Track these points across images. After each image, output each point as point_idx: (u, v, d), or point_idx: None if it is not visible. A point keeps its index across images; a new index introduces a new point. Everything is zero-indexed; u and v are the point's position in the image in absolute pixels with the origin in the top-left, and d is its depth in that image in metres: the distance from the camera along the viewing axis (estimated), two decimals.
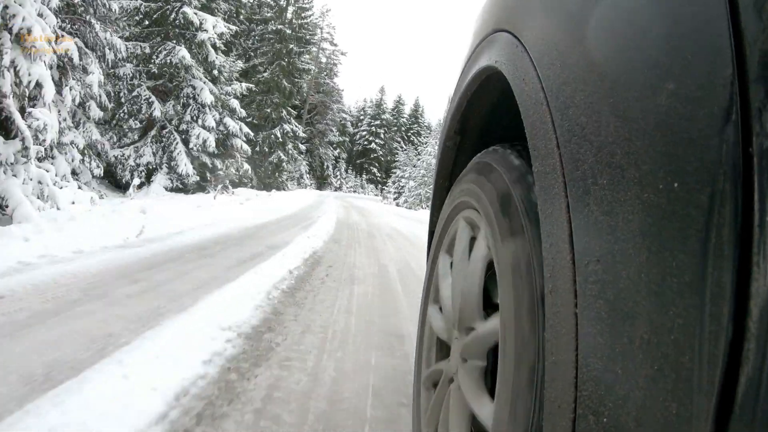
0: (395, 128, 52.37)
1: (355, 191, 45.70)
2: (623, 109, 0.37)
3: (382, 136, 50.35)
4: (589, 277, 0.38)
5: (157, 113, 12.03)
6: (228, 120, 14.07)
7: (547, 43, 0.53)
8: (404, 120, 53.84)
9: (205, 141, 12.58)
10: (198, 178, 12.66)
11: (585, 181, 0.41)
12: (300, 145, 28.44)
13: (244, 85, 15.46)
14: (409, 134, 50.39)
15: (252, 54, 25.76)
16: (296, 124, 26.78)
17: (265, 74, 25.22)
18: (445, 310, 0.89)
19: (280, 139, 24.76)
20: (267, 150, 24.35)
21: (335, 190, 42.23)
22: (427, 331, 1.01)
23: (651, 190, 0.33)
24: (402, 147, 39.25)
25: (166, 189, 11.92)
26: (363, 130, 51.16)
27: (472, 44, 0.89)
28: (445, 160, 1.06)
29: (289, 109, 26.16)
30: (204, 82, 12.84)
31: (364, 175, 49.56)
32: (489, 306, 0.71)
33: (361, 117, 52.77)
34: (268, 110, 24.83)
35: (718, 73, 0.29)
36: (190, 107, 12.72)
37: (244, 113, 15.30)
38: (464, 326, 0.74)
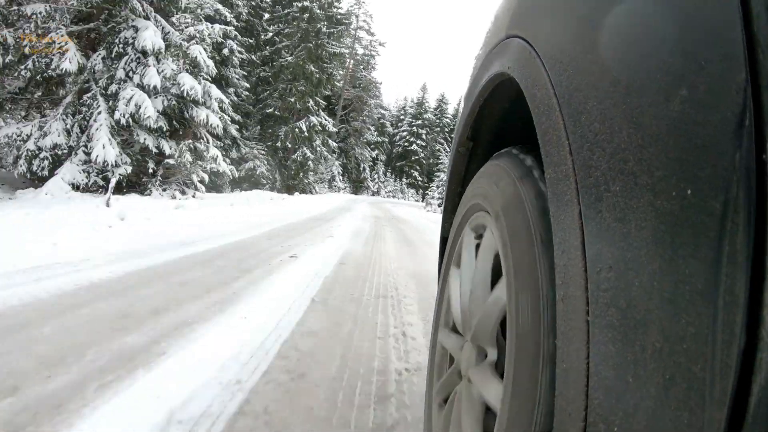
0: (438, 129, 48.67)
1: (394, 196, 42.79)
2: (636, 115, 0.37)
3: (423, 137, 46.92)
4: (601, 285, 0.38)
5: (67, 66, 7.54)
6: (185, 78, 9.15)
7: (559, 49, 0.53)
8: (447, 120, 50.01)
9: (138, 107, 7.92)
10: (129, 168, 8.14)
11: (598, 187, 0.41)
12: (331, 142, 24.60)
13: (217, 27, 10.87)
14: (453, 135, 46.75)
15: (276, 39, 23.00)
16: (326, 117, 22.99)
17: (289, 58, 21.69)
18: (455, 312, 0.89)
19: (306, 133, 21.11)
20: (290, 146, 21.21)
21: (372, 195, 39.27)
22: (439, 349, 1.01)
23: (664, 197, 0.33)
24: (446, 149, 36.00)
25: (76, 187, 7.64)
26: (403, 131, 47.87)
27: (484, 50, 0.89)
28: (457, 166, 1.06)
29: (318, 99, 22.64)
30: (155, 20, 8.58)
31: (404, 179, 46.31)
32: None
33: (402, 117, 49.56)
34: (292, 100, 21.46)
35: (731, 79, 0.29)
36: (127, 58, 8.27)
37: (212, 66, 9.96)
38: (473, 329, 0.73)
